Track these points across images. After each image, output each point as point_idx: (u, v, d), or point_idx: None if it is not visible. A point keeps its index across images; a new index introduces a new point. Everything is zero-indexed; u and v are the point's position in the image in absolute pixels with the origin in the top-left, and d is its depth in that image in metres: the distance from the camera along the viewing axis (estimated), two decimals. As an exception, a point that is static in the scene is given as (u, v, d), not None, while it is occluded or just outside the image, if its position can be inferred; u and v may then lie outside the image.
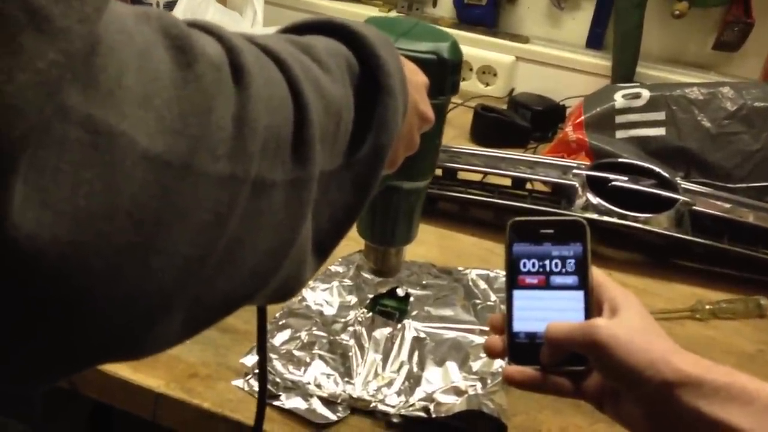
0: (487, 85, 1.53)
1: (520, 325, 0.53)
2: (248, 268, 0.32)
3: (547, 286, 0.54)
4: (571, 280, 0.53)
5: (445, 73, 0.58)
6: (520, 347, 0.53)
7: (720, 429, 0.43)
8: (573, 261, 0.53)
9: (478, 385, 0.69)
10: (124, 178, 0.23)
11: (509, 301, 0.54)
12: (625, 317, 0.49)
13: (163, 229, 0.25)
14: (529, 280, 0.54)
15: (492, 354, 0.55)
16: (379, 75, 0.40)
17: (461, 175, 1.06)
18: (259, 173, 0.30)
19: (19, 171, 0.20)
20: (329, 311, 0.78)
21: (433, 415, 0.64)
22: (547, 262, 0.54)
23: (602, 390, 0.50)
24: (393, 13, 1.61)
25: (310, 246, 0.38)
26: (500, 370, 0.70)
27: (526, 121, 1.34)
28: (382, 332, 0.74)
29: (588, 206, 0.97)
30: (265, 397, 0.57)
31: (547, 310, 0.52)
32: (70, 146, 0.22)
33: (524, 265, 0.54)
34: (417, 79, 0.50)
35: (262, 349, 0.54)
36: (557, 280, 0.53)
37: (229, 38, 0.30)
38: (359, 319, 0.76)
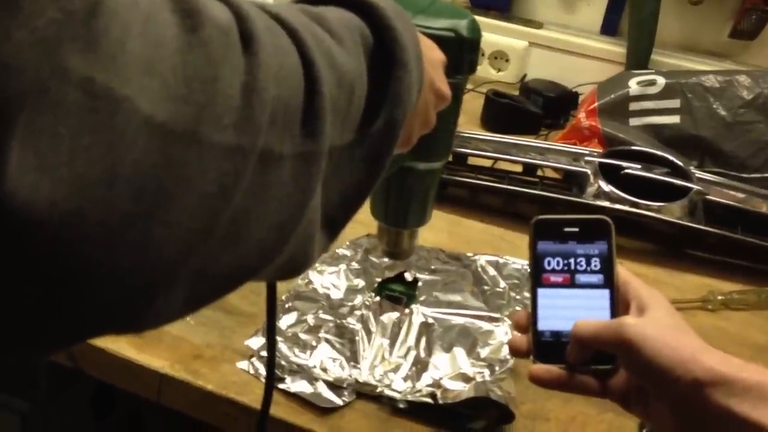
0: (499, 70, 1.51)
1: (545, 324, 0.52)
2: (254, 242, 0.31)
3: (572, 284, 0.53)
4: (596, 278, 0.52)
5: (462, 52, 0.56)
6: (545, 346, 0.52)
7: (750, 429, 0.42)
8: (598, 259, 0.53)
9: (486, 372, 0.68)
10: (125, 144, 0.22)
11: (534, 300, 0.53)
12: (654, 315, 0.48)
13: (165, 199, 0.24)
14: (553, 278, 0.53)
15: (517, 353, 0.54)
16: (394, 48, 0.39)
17: (471, 161, 1.05)
18: (267, 145, 0.29)
19: (15, 134, 0.19)
20: (336, 294, 0.77)
21: (440, 402, 0.64)
22: (571, 260, 0.53)
23: (629, 388, 0.50)
24: (405, -4, 1.60)
25: (319, 222, 0.37)
26: (508, 357, 0.70)
27: (538, 107, 1.33)
28: (389, 317, 0.73)
29: (600, 194, 0.96)
30: (273, 376, 0.56)
31: (573, 309, 0.52)
32: (69, 109, 0.21)
33: (548, 264, 0.53)
34: (434, 55, 0.49)
35: (272, 328, 0.53)
36: (582, 278, 0.53)
37: (238, 4, 0.29)
38: (366, 303, 0.75)
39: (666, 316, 0.48)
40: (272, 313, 0.52)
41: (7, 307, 0.22)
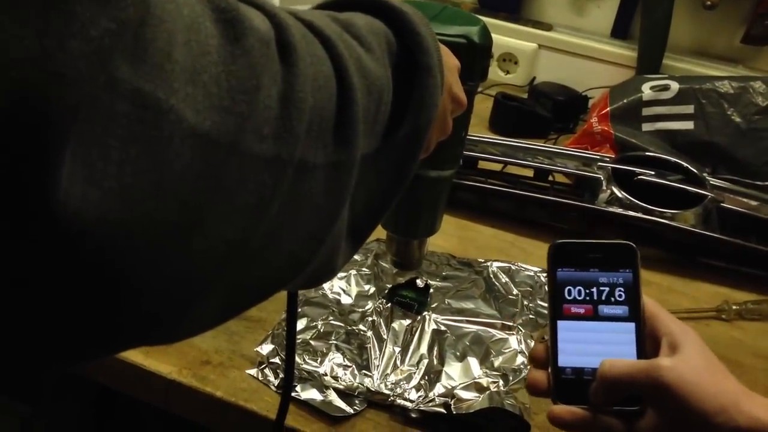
0: (508, 73, 1.50)
1: (566, 360, 0.49)
2: (286, 253, 0.31)
3: (594, 316, 0.50)
4: (621, 310, 0.49)
5: (474, 58, 0.56)
6: (566, 384, 0.49)
7: None
8: (622, 289, 0.49)
9: (500, 381, 0.66)
10: (170, 155, 0.22)
11: (553, 333, 0.50)
12: (689, 355, 0.45)
13: (206, 211, 0.24)
14: (575, 309, 0.50)
15: (536, 391, 0.50)
16: (419, 54, 0.38)
17: (481, 165, 1.03)
18: (302, 155, 0.28)
19: (67, 145, 0.19)
20: (346, 300, 0.76)
21: (454, 412, 0.62)
22: (594, 290, 0.50)
23: (658, 430, 0.47)
24: (413, -3, 1.58)
25: (345, 232, 0.36)
26: (522, 366, 0.68)
27: (547, 111, 1.31)
28: (401, 324, 0.71)
29: (612, 200, 0.95)
30: (291, 383, 0.55)
31: (596, 344, 0.49)
32: (118, 120, 0.20)
33: (569, 293, 0.50)
34: (450, 61, 0.48)
35: (291, 339, 0.52)
36: (606, 310, 0.49)
37: (277, 13, 0.29)
38: (377, 309, 0.73)
39: (700, 355, 0.45)
40: (292, 324, 0.51)
41: (49, 315, 0.22)
